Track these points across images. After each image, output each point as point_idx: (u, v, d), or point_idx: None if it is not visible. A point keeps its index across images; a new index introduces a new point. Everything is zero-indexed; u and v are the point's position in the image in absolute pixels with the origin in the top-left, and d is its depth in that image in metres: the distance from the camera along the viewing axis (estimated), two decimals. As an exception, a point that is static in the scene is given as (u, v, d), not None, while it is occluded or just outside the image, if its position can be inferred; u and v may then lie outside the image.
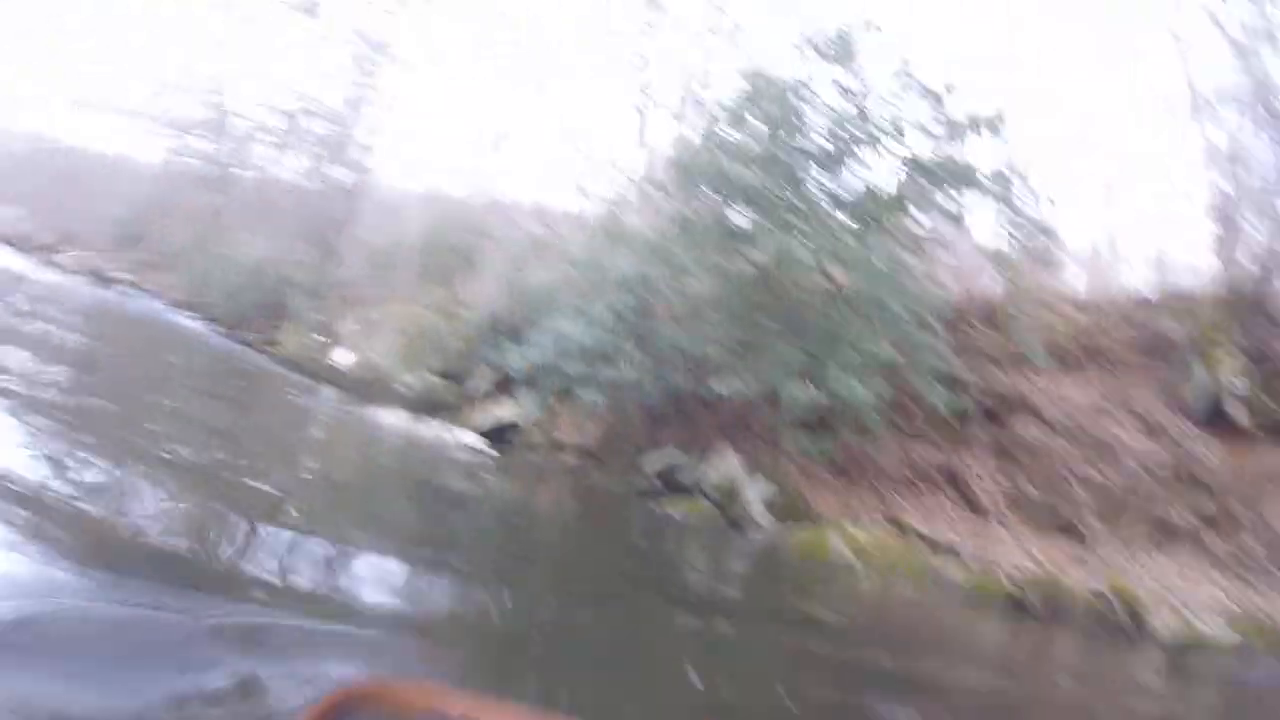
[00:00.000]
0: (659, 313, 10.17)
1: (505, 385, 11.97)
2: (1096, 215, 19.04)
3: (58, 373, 7.82)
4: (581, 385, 10.28)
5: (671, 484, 9.97)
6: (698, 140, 10.68)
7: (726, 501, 9.46)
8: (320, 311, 17.45)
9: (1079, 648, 7.38)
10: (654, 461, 10.21)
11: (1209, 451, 9.76)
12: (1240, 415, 9.93)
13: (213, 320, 19.05)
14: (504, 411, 11.79)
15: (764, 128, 9.96)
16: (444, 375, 13.66)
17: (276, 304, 19.31)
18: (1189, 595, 8.25)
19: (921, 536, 9.50)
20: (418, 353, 14.04)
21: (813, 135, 9.87)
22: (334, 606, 3.63)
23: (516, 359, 11.09)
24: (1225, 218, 12.70)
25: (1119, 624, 7.71)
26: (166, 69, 30.43)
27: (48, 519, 3.52)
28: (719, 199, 9.96)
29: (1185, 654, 7.23)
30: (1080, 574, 8.58)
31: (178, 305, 20.28)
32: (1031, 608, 7.95)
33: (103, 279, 21.63)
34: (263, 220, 23.09)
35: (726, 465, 9.75)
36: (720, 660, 4.36)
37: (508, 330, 12.06)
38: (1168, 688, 6.69)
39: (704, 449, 10.01)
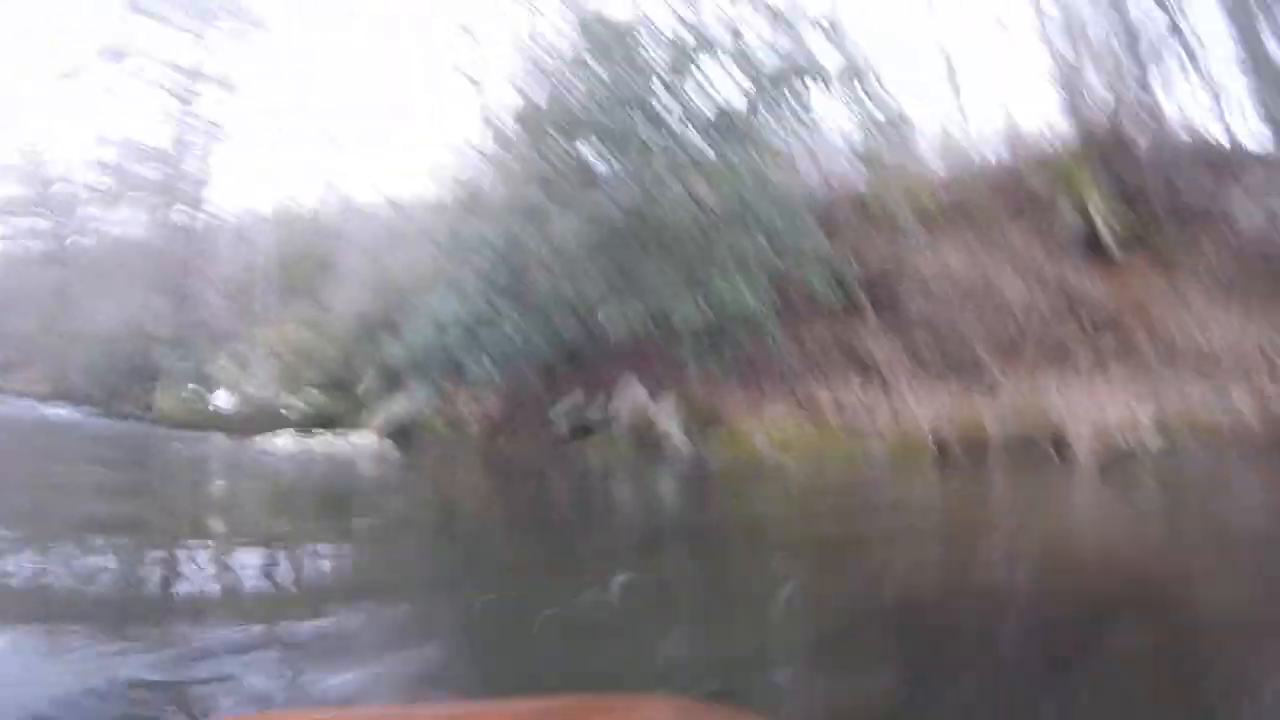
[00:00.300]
0: (531, 267, 9.78)
1: (394, 381, 11.35)
2: (943, 94, 19.80)
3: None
4: (469, 357, 9.83)
5: (583, 430, 9.71)
6: (542, 93, 10.30)
7: (644, 430, 9.31)
8: (190, 360, 16.26)
9: (1011, 483, 7.50)
10: (560, 412, 9.86)
11: (1091, 281, 10.24)
12: (1112, 243, 10.50)
13: (85, 403, 17.63)
14: (398, 407, 11.20)
15: (604, 70, 9.71)
16: (329, 387, 12.92)
17: (145, 366, 17.95)
18: (1103, 415, 8.46)
19: (837, 419, 9.52)
20: (296, 372, 13.25)
21: (655, 66, 9.67)
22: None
23: (397, 350, 10.59)
24: (1068, 76, 13.43)
25: (1043, 456, 7.84)
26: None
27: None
28: (570, 144, 9.65)
29: (1114, 469, 7.39)
30: (995, 418, 8.76)
31: (45, 398, 18.73)
32: (956, 459, 8.08)
33: None
34: (111, 284, 21.41)
35: (633, 396, 9.52)
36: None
37: (382, 325, 11.45)
38: (1100, 500, 6.90)
39: (608, 388, 9.72)
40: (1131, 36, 13.44)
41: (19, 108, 27.02)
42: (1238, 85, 12.52)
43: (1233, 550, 4.24)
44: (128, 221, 24.88)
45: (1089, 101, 12.79)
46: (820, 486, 7.72)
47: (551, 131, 9.93)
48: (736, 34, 9.82)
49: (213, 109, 22.14)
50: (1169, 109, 14.85)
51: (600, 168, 9.96)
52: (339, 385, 12.66)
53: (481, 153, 11.62)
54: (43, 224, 25.62)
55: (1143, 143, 12.00)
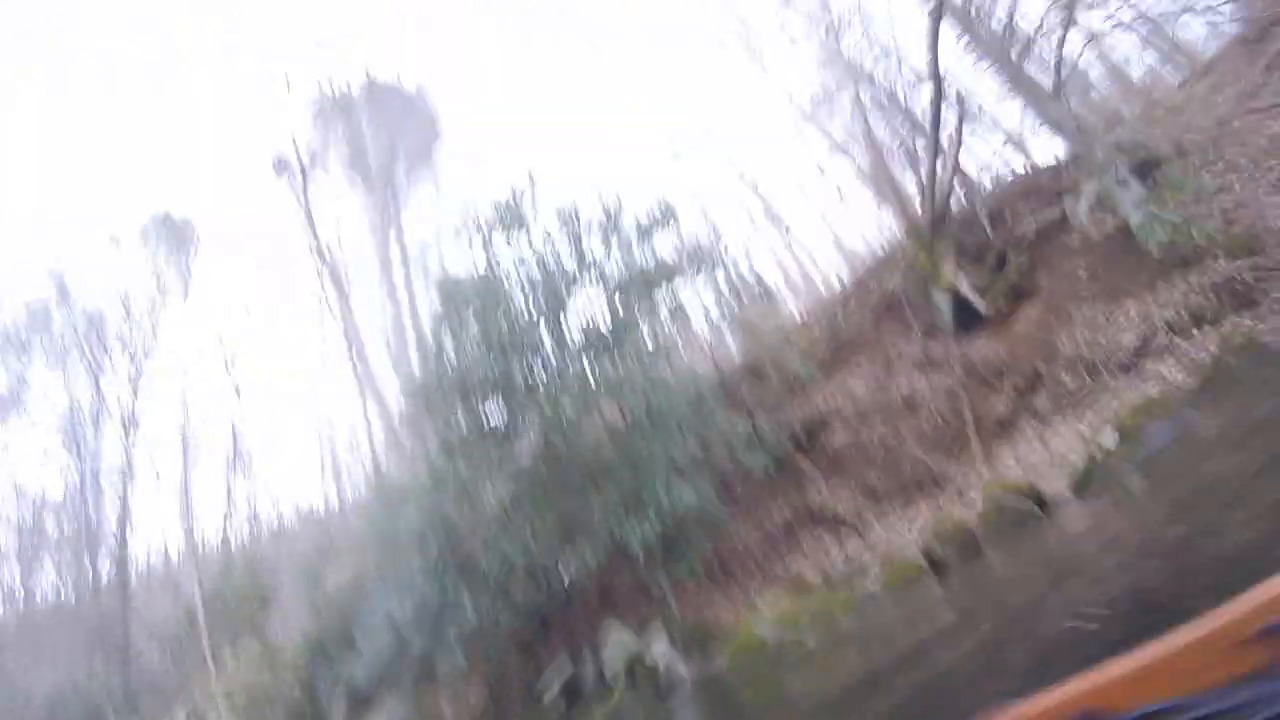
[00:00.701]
0: (471, 541, 9.56)
1: (365, 700, 10.60)
2: (779, 239, 21.48)
3: None
4: (436, 653, 9.33)
5: (579, 694, 9.22)
6: (423, 368, 10.47)
7: (642, 671, 8.92)
8: (138, 723, 14.86)
9: (1009, 551, 7.48)
10: (548, 683, 9.40)
11: (981, 346, 10.83)
12: (982, 303, 11.25)
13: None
14: (380, 721, 10.41)
15: (474, 322, 9.98)
16: (297, 723, 11.92)
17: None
18: (1058, 450, 8.87)
19: (823, 577, 9.50)
20: (259, 716, 12.21)
21: (520, 310, 10.00)
22: None
23: (360, 668, 9.92)
24: (880, 176, 14.74)
25: (1027, 514, 7.90)
26: None
27: None
28: (466, 408, 9.71)
29: (1091, 483, 7.55)
30: (963, 505, 8.96)
31: None
32: (949, 560, 8.06)
33: None
34: (45, 651, 19.73)
35: (621, 641, 9.19)
36: None
37: (337, 644, 10.80)
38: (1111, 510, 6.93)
39: (591, 640, 9.40)
40: (914, 124, 15.05)
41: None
42: (1013, 115, 14.20)
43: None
44: (51, 583, 23.44)
45: (903, 195, 14.12)
46: (832, 641, 7.65)
47: (439, 401, 9.98)
48: (592, 263, 10.28)
49: (117, 451, 21.65)
50: (972, 166, 16.68)
51: (500, 423, 9.98)
52: (308, 717, 11.74)
53: (378, 450, 11.57)
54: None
55: (969, 206, 13.19)
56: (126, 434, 21.61)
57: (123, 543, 20.81)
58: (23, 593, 24.89)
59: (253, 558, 16.49)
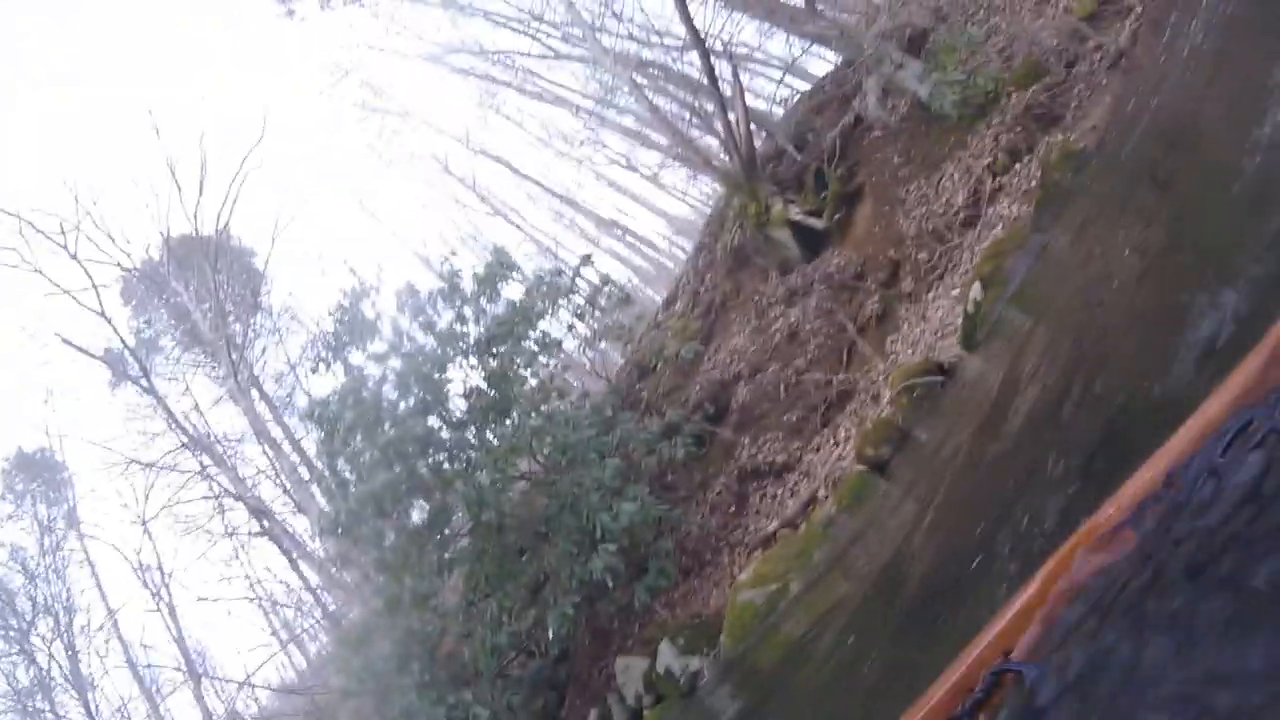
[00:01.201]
0: (445, 644, 9.39)
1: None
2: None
3: None
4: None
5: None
6: (327, 505, 10.16)
7: (665, 689, 8.93)
8: None
9: (932, 423, 7.94)
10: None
11: (833, 261, 11.31)
12: (819, 222, 11.74)
13: None
14: None
15: (358, 437, 9.75)
16: None
17: None
18: (939, 320, 9.30)
19: (783, 526, 9.71)
20: None
21: (394, 405, 9.84)
22: None
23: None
24: (683, 147, 15.33)
25: (933, 387, 8.32)
26: None
27: None
28: (386, 522, 9.50)
29: (976, 334, 8.00)
30: (877, 405, 9.28)
31: None
32: (885, 456, 8.39)
33: None
34: None
35: (628, 668, 9.23)
36: None
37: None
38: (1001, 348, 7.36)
39: (602, 681, 9.40)
40: (695, 88, 15.72)
41: None
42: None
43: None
44: None
45: (710, 156, 14.72)
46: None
47: (356, 527, 9.67)
48: (449, 333, 10.25)
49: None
50: (762, 105, 17.58)
51: (432, 520, 9.83)
52: None
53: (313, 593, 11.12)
54: None
55: (770, 141, 13.88)
56: (79, 691, 19.94)
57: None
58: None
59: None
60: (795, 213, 12.37)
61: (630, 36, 17.64)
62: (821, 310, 11.23)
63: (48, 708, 21.19)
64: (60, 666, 21.41)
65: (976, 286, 8.35)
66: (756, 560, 9.50)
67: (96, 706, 21.19)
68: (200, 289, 16.44)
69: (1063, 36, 9.85)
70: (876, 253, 11.17)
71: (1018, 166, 9.48)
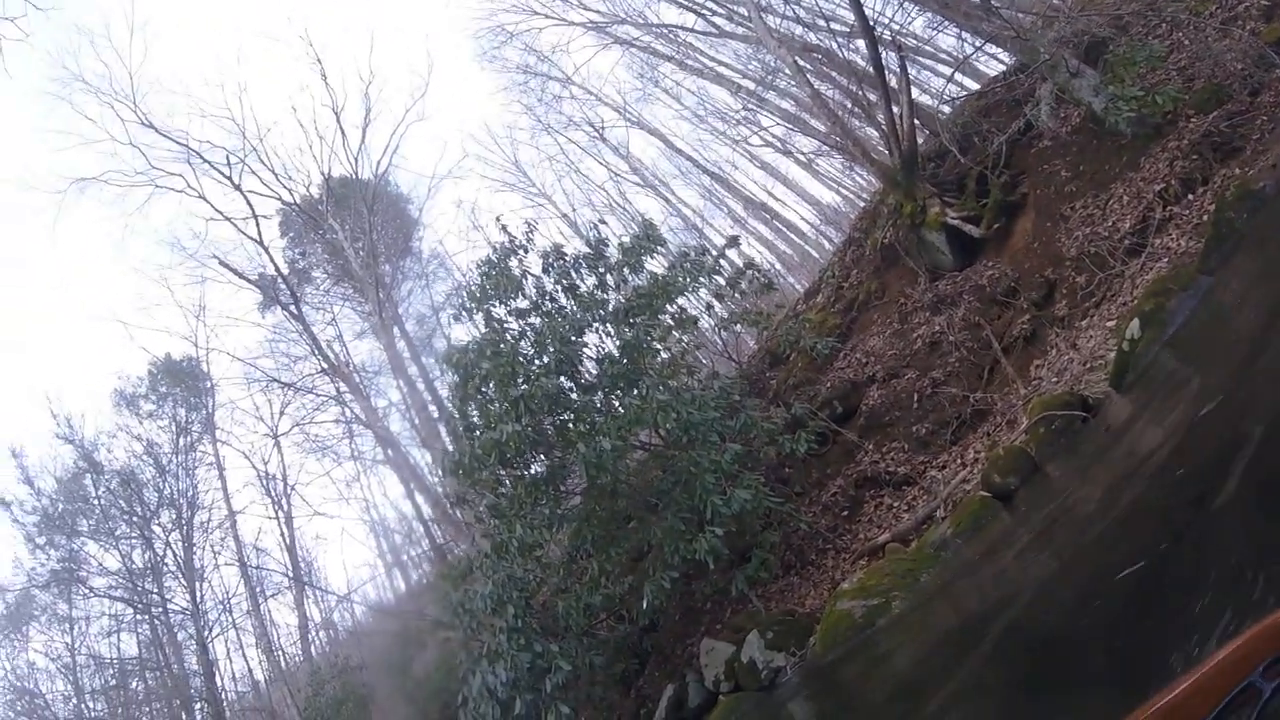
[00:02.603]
0: (543, 596, 9.63)
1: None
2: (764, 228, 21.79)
3: None
4: (542, 711, 9.33)
5: (685, 711, 9.31)
6: (451, 445, 10.57)
7: (745, 679, 8.85)
8: None
9: (1065, 460, 7.43)
10: (655, 709, 9.39)
11: (987, 272, 10.81)
12: (976, 230, 11.25)
13: None
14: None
15: (490, 388, 10.07)
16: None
17: None
18: (1089, 350, 8.73)
19: (893, 536, 9.41)
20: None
21: (531, 359, 10.08)
22: None
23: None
24: (843, 137, 14.83)
25: (1072, 422, 7.80)
26: None
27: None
28: (507, 470, 9.80)
29: (1126, 380, 7.44)
30: (1011, 430, 8.81)
31: None
32: (1011, 486, 7.97)
33: None
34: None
35: (716, 654, 9.20)
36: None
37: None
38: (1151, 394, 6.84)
39: (684, 658, 9.40)
40: (861, 76, 15.18)
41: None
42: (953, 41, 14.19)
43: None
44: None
45: (870, 149, 14.18)
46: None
47: (477, 471, 10.01)
48: (590, 299, 10.36)
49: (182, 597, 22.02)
50: (928, 101, 16.79)
51: (549, 475, 10.04)
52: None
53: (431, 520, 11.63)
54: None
55: (934, 139, 13.24)
56: (188, 580, 21.96)
57: (209, 682, 21.05)
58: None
59: (338, 663, 16.58)
60: (952, 216, 11.83)
61: (796, 18, 17.24)
62: (968, 322, 10.72)
63: (155, 590, 23.35)
64: (175, 555, 23.60)
65: (1135, 323, 7.76)
66: (862, 570, 9.23)
67: (202, 596, 23.30)
68: (355, 229, 17.50)
69: (1248, 61, 8.99)
70: (1033, 269, 10.52)
71: (1190, 197, 8.73)
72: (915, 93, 15.38)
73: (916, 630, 7.33)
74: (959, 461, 9.74)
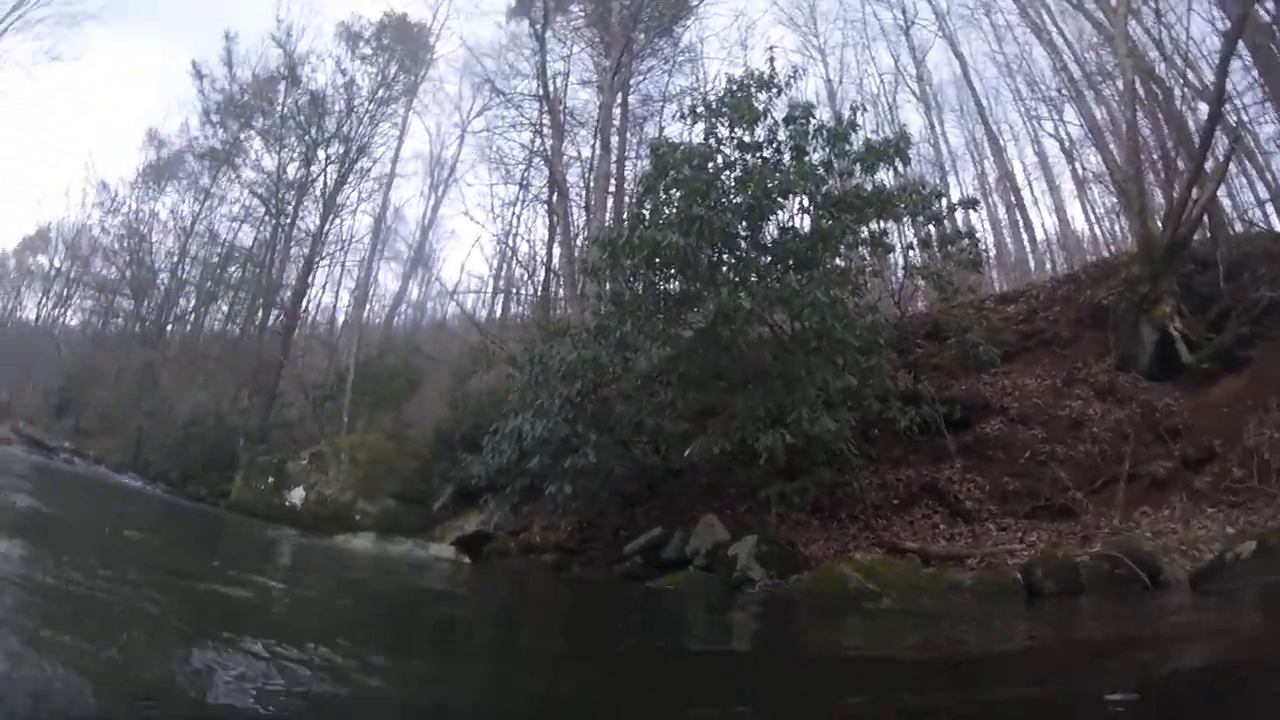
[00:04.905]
0: (612, 393, 9.99)
1: (468, 498, 11.58)
2: (1001, 217, 20.37)
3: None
4: (549, 483, 9.95)
5: (658, 562, 9.68)
6: (617, 221, 10.72)
7: (724, 570, 9.17)
8: (268, 454, 16.89)
9: (1104, 610, 7.11)
10: (636, 547, 9.90)
11: (1169, 398, 10.05)
12: (1189, 356, 10.36)
13: (159, 479, 18.35)
14: (472, 523, 11.39)
15: (677, 193, 10.03)
16: (403, 498, 13.25)
17: (222, 454, 18.71)
18: (1191, 534, 8.23)
19: (919, 553, 9.37)
20: (373, 480, 13.62)
21: (728, 190, 9.93)
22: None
23: (478, 468, 10.73)
24: (1126, 183, 13.48)
25: (1134, 580, 7.41)
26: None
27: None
28: (648, 271, 9.92)
29: (1207, 583, 7.03)
30: (1080, 545, 8.48)
31: (120, 468, 19.47)
32: (1045, 588, 7.67)
33: (44, 448, 20.64)
34: (197, 372, 22.54)
35: (711, 532, 9.50)
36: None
37: (462, 443, 11.73)
38: (1201, 616, 6.51)
39: (685, 521, 9.77)
40: (1183, 137, 13.61)
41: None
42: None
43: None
44: (218, 316, 26.67)
45: (1147, 207, 12.88)
46: (912, 622, 7.47)
47: (627, 257, 10.17)
48: (806, 159, 10.00)
49: (311, 226, 23.72)
50: (1231, 207, 15.04)
51: (680, 298, 10.12)
52: (414, 498, 12.98)
53: (558, 273, 12.00)
54: (133, 305, 27.22)
55: (1210, 245, 11.95)
56: (325, 209, 23.56)
57: (297, 299, 23.05)
58: (195, 320, 28.39)
59: (412, 344, 17.92)
60: (1175, 327, 10.83)
61: (1157, 42, 15.41)
62: (1118, 428, 10.04)
63: (292, 203, 25.03)
64: (324, 183, 25.12)
65: (1250, 544, 7.10)
66: (877, 555, 9.25)
67: (329, 228, 25.01)
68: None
69: None
70: (1207, 427, 9.64)
71: None
72: (1222, 190, 13.77)
73: (887, 632, 7.29)
74: (1020, 535, 9.46)
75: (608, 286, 10.59)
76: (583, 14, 19.59)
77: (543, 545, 10.92)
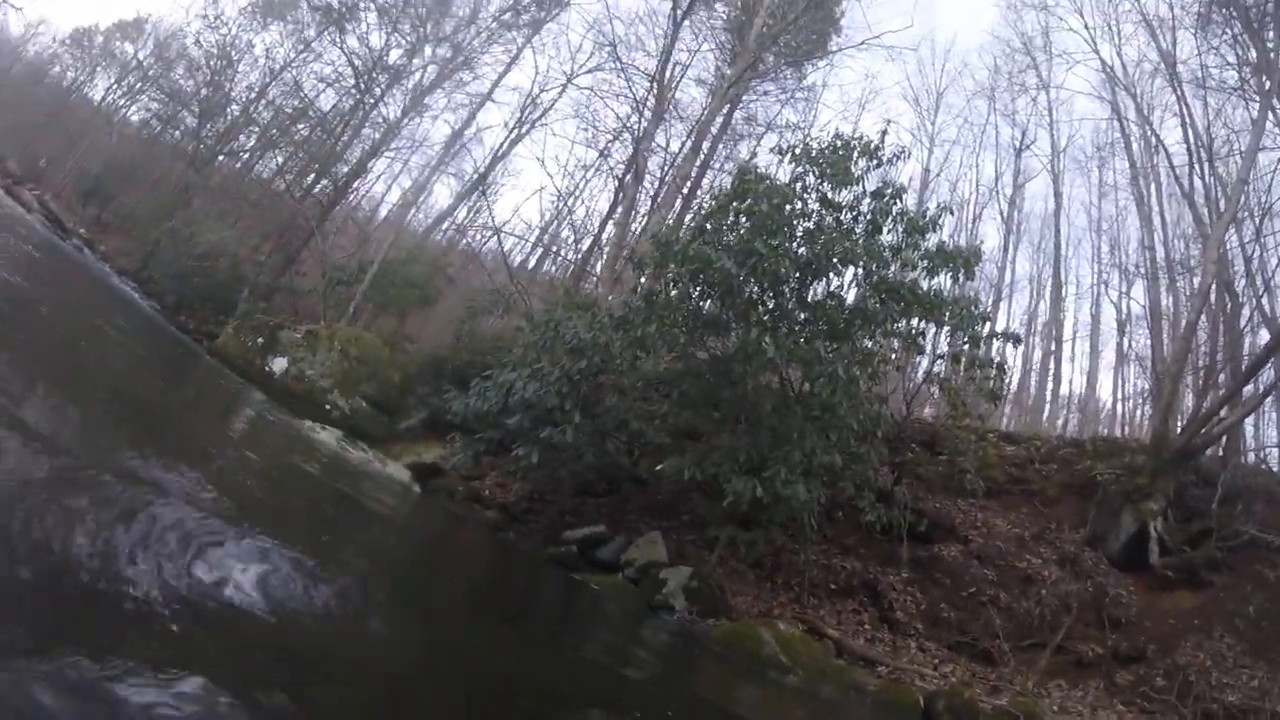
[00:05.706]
0: (610, 384, 10.02)
1: (438, 429, 11.61)
2: (1034, 359, 20.36)
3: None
4: (519, 440, 10.00)
5: (591, 558, 9.75)
6: (678, 223, 10.75)
7: (647, 583, 9.25)
8: (267, 316, 16.91)
9: None
10: (576, 536, 9.96)
11: (1124, 590, 10.09)
12: (1157, 557, 10.44)
13: (155, 298, 18.34)
14: (432, 454, 11.43)
15: (746, 221, 10.06)
16: (375, 404, 13.27)
17: (223, 297, 18.75)
18: None
19: (838, 644, 9.43)
20: (355, 377, 13.62)
21: (795, 238, 9.95)
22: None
23: (459, 405, 10.76)
24: (1160, 378, 13.50)
25: None
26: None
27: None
28: (689, 283, 9.95)
29: None
30: (988, 694, 8.55)
31: (124, 273, 19.38)
32: None
33: (59, 227, 20.63)
34: (229, 210, 22.56)
35: (652, 549, 9.56)
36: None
37: (453, 375, 11.77)
38: None
39: (631, 529, 9.82)
40: (1234, 354, 13.58)
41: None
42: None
43: None
44: (270, 166, 26.61)
45: (1176, 406, 12.89)
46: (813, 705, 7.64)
47: (676, 261, 10.15)
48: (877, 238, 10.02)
49: (392, 115, 23.72)
50: (1252, 435, 15.03)
51: (709, 320, 10.15)
52: (387, 408, 13.02)
53: (604, 250, 12.00)
54: (196, 124, 27.13)
55: (1218, 465, 11.97)
56: (410, 104, 23.52)
57: (351, 177, 23.05)
58: (247, 160, 28.36)
59: (440, 262, 17.92)
60: (1157, 528, 10.87)
61: (1245, 254, 15.27)
62: (1065, 599, 10.08)
63: (382, 86, 24.99)
64: (420, 81, 25.09)
65: None
66: (797, 631, 9.28)
67: (406, 122, 24.99)
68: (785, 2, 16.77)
69: None
70: (1148, 629, 9.68)
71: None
72: (1250, 418, 13.78)
73: (775, 712, 7.34)
74: (937, 662, 9.52)
75: (644, 281, 10.60)
76: (724, 17, 19.63)
77: (490, 500, 10.96)
